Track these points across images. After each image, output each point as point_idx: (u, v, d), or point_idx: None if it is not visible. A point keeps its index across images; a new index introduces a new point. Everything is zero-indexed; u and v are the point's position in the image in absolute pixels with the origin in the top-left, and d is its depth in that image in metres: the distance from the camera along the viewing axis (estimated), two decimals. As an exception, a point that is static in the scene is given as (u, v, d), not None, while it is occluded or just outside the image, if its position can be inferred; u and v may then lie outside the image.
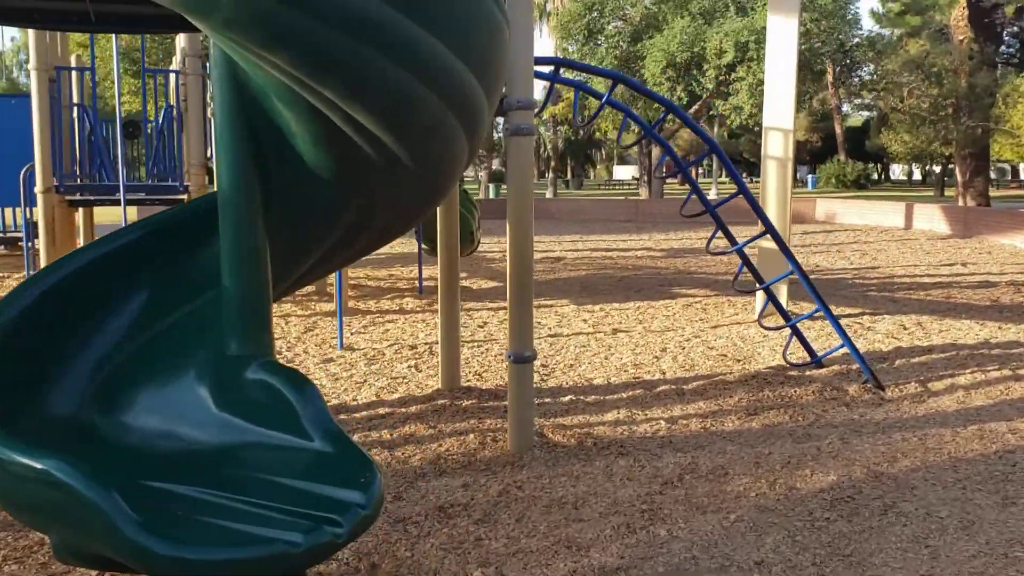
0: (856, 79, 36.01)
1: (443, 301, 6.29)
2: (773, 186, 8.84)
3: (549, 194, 45.78)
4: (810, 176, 54.26)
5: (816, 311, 6.83)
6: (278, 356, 7.53)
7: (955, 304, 10.00)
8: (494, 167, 76.30)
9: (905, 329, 8.38)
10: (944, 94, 27.49)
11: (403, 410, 5.81)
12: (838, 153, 50.53)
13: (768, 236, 6.96)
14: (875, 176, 59.83)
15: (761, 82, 27.83)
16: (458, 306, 6.35)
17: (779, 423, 5.52)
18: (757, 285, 7.27)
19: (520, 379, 4.97)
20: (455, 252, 6.25)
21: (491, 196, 42.65)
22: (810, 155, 62.27)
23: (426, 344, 8.00)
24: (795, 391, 6.14)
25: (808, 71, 27.07)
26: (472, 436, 5.21)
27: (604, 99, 6.68)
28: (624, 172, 70.13)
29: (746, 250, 7.14)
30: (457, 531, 3.95)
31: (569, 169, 63.86)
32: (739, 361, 7.17)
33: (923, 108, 27.92)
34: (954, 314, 9.26)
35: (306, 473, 2.93)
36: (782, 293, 8.84)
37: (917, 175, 62.58)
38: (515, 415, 5.00)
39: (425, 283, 11.47)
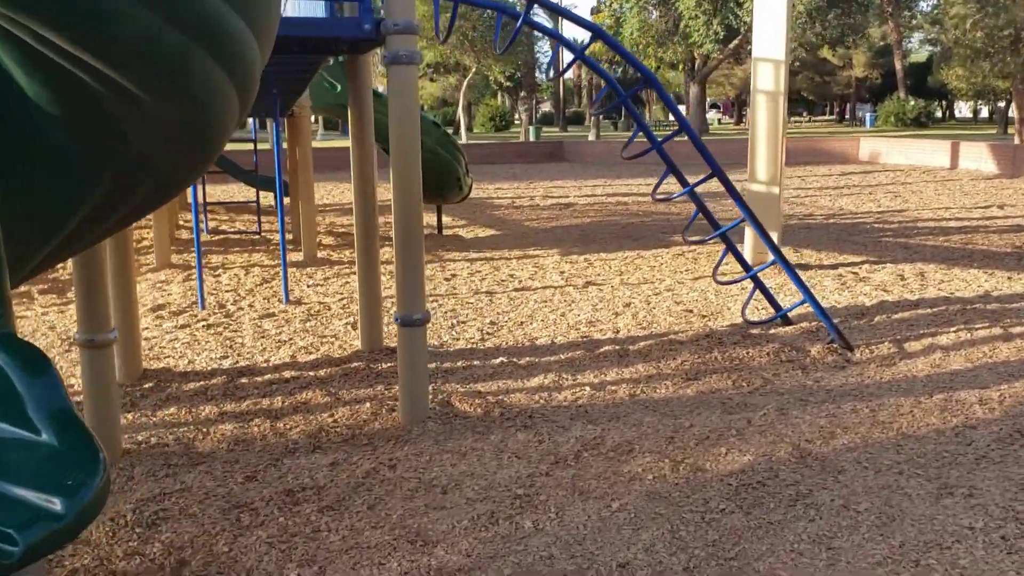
0: (908, 12, 34.23)
1: (360, 256, 5.75)
2: (763, 124, 8.09)
3: (591, 136, 44.65)
4: (868, 114, 52.23)
5: (772, 262, 6.13)
6: (222, 308, 7.13)
7: (971, 251, 9.18)
8: (545, 109, 75.25)
9: (902, 280, 7.63)
10: (1002, 25, 25.85)
11: (311, 373, 5.33)
12: (898, 90, 48.50)
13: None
14: (938, 114, 57.40)
15: (801, 15, 26.65)
16: (376, 260, 5.80)
17: (717, 390, 4.92)
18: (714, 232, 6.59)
19: (409, 344, 4.44)
20: (372, 203, 5.68)
21: (531, 138, 41.73)
22: (869, 92, 60.01)
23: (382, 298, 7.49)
24: (748, 352, 5.51)
25: (852, 1, 25.64)
26: (368, 405, 4.71)
27: (578, 52, 5.94)
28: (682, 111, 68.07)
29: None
30: (295, 520, 3.47)
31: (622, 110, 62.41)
32: (704, 317, 6.54)
33: (978, 39, 26.30)
34: (965, 262, 8.47)
35: (19, 474, 2.45)
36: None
37: (985, 113, 59.87)
38: (405, 384, 4.48)
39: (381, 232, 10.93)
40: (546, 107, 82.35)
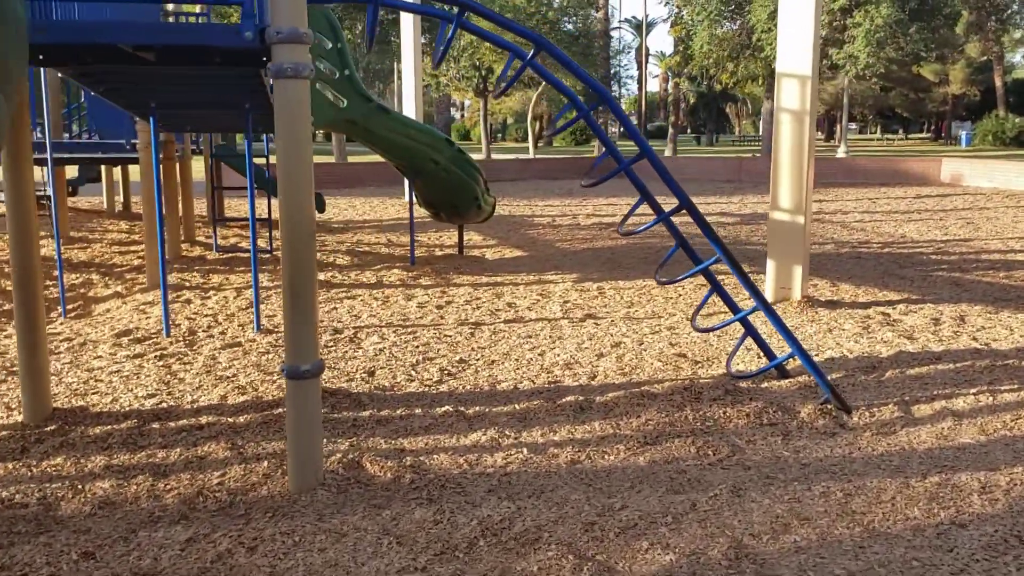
0: (1011, 25, 32.47)
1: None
2: (787, 146, 7.30)
3: (668, 151, 43.59)
4: (965, 133, 49.96)
5: (754, 309, 5.35)
6: (191, 335, 6.68)
7: (1031, 290, 8.21)
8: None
9: (935, 324, 6.75)
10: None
11: (230, 420, 4.80)
12: (997, 108, 46.28)
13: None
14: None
15: (879, 28, 25.36)
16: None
17: (674, 459, 4.22)
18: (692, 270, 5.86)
19: (297, 400, 3.85)
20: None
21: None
22: (967, 110, 57.62)
23: (355, 328, 6.96)
24: (726, 411, 4.78)
25: (936, 14, 24.29)
26: (266, 464, 4.15)
27: (526, 61, 5.33)
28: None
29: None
30: (103, 618, 2.92)
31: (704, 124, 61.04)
32: (696, 364, 5.82)
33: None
34: (1017, 304, 7.52)
35: None
36: (795, 275, 7.36)
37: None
38: (293, 447, 3.90)
39: (397, 251, 10.42)
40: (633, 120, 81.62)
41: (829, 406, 4.79)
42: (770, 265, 7.52)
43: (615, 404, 4.95)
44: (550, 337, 6.62)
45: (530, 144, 36.83)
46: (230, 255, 10.56)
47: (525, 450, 4.31)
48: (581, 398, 5.06)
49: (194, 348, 6.40)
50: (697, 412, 4.76)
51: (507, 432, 4.57)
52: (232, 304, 7.94)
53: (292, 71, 3.58)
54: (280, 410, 4.89)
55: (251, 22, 3.74)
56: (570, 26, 38.23)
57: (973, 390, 5.05)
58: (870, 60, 22.95)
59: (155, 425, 4.75)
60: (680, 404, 4.89)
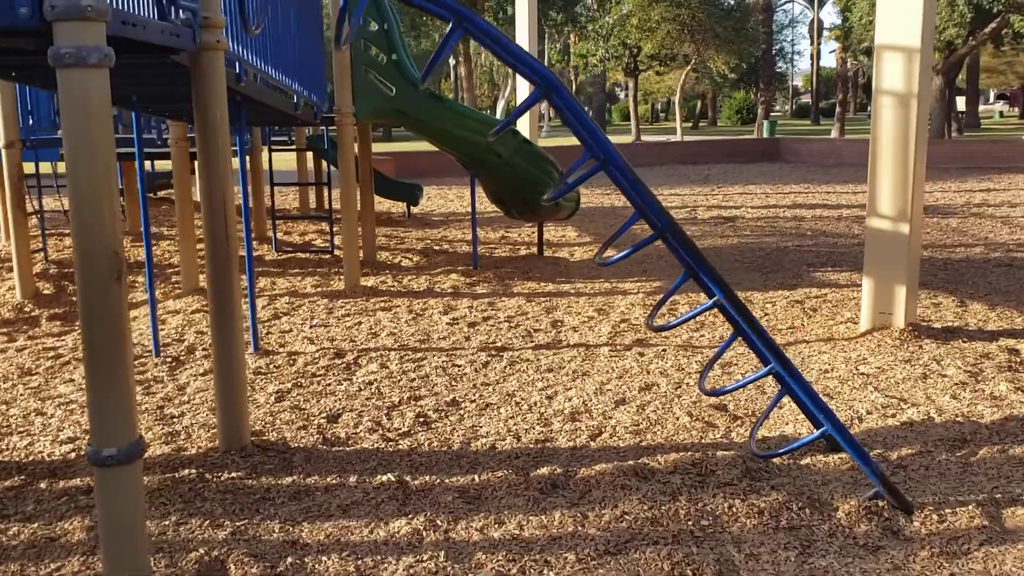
0: None
1: (215, 317, 4.30)
2: (888, 137, 5.86)
3: (834, 133, 40.62)
4: None
5: (770, 371, 3.85)
6: (184, 356, 5.95)
7: None
8: (805, 100, 70.37)
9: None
10: None
11: (124, 482, 3.97)
12: None
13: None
14: None
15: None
16: (237, 316, 4.30)
17: (631, 584, 3.07)
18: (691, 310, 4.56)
19: (106, 493, 2.94)
20: (229, 247, 4.21)
21: (764, 134, 38.58)
22: None
23: (361, 351, 6.07)
24: (735, 505, 3.55)
25: None
26: (77, 561, 3.28)
27: (443, 45, 4.12)
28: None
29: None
30: None
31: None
32: (736, 421, 4.58)
33: None
34: None
35: None
36: (897, 296, 5.94)
37: None
38: (105, 550, 3.00)
39: (452, 252, 9.42)
40: (807, 98, 77.31)
41: (880, 502, 3.49)
42: (866, 285, 6.11)
43: (597, 483, 3.81)
44: (575, 372, 5.51)
45: (677, 125, 35.06)
46: (288, 255, 9.91)
47: (443, 555, 3.26)
48: (560, 470, 3.95)
49: (174, 374, 5.67)
50: (695, 504, 3.57)
51: (439, 522, 3.53)
52: (259, 313, 7.21)
53: (72, 57, 2.66)
54: (190, 472, 4.02)
55: (30, -6, 2.84)
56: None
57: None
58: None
59: (43, 485, 3.99)
60: (677, 489, 3.70)
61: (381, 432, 4.54)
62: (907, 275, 5.91)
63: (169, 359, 6.00)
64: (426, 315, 7.10)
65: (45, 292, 8.08)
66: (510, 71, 67.42)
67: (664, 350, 5.94)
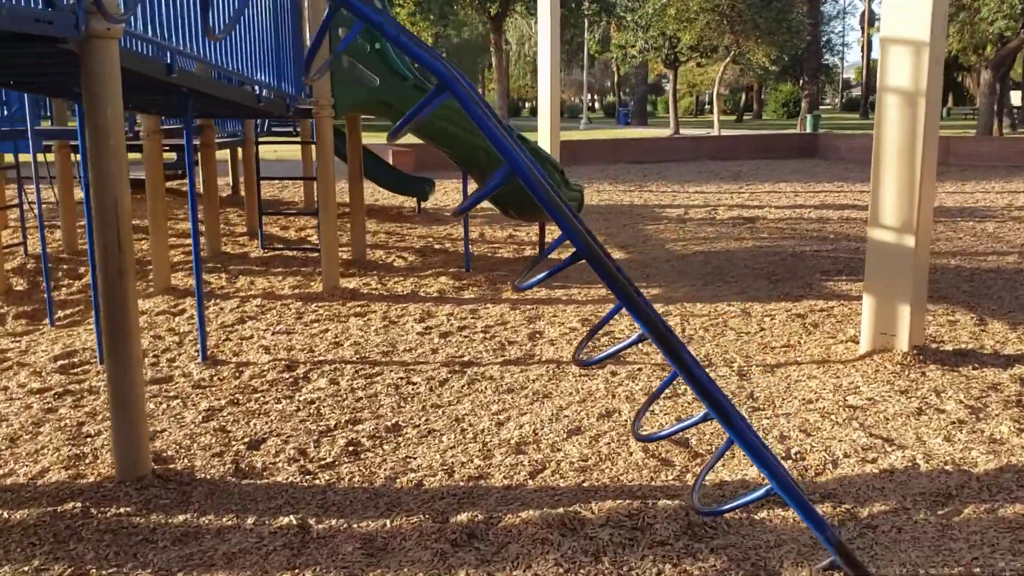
0: None
1: (108, 336, 3.88)
2: (893, 140, 5.29)
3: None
4: None
5: (705, 416, 3.22)
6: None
7: None
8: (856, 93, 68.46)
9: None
10: None
11: None
12: None
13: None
14: None
15: None
16: (133, 334, 3.87)
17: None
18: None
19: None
20: (123, 259, 3.78)
21: (807, 129, 37.53)
22: None
23: (315, 363, 5.65)
24: (667, 570, 3.05)
25: None
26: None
27: (323, 28, 3.55)
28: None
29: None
30: None
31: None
32: (695, 459, 4.08)
33: None
34: None
35: None
36: (901, 316, 5.38)
37: None
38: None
39: (479, 249, 8.94)
40: (858, 91, 75.31)
41: (837, 574, 2.98)
42: (867, 302, 5.56)
43: (518, 534, 3.34)
44: (536, 393, 5.04)
45: (715, 119, 34.22)
46: (275, 252, 9.53)
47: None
48: (482, 517, 3.48)
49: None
50: (618, 568, 3.08)
51: (317, 580, 3.09)
52: (224, 316, 6.84)
53: None
54: (75, 506, 3.62)
55: None
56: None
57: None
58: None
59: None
60: (603, 547, 3.22)
61: (302, 462, 4.12)
62: (912, 292, 5.35)
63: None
64: (400, 323, 6.67)
65: (17, 288, 7.79)
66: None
67: (639, 369, 5.44)
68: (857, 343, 5.79)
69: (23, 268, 8.37)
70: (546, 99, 16.92)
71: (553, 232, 11.03)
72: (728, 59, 33.81)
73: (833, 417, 4.49)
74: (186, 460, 4.13)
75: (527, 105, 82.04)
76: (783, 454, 4.07)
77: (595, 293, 7.64)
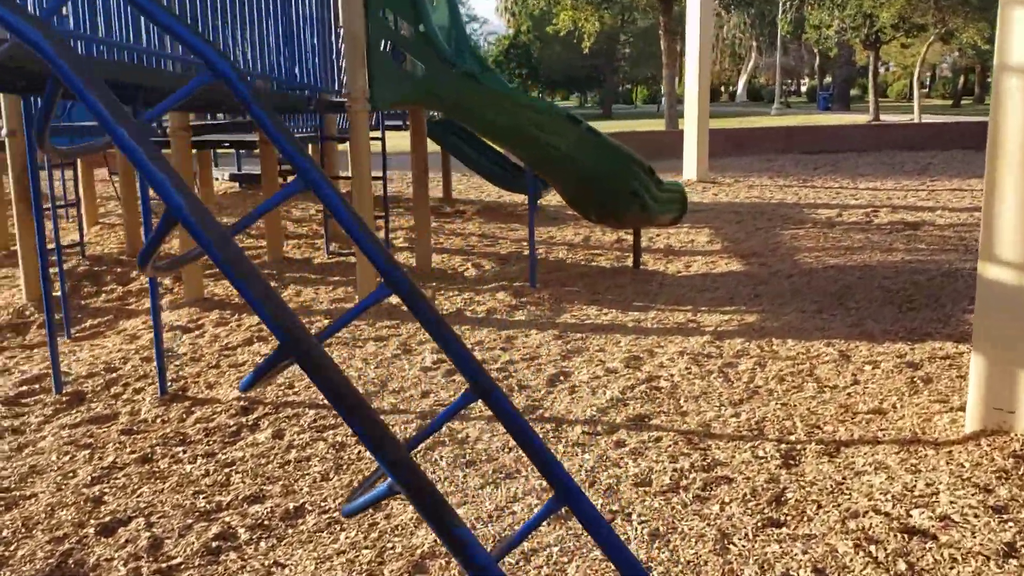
0: None
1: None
2: (1017, 135, 3.79)
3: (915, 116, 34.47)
4: None
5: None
6: (92, 394, 4.85)
7: None
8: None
9: None
10: None
11: None
12: None
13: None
14: None
15: None
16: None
17: None
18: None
19: None
20: None
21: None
22: None
23: (287, 404, 4.76)
24: None
25: None
26: None
27: None
28: None
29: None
30: None
31: None
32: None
33: None
34: None
35: None
36: (1020, 390, 3.89)
37: None
38: None
39: (574, 256, 7.81)
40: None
41: None
42: (975, 365, 4.06)
43: None
44: (499, 475, 3.91)
45: (915, 104, 31.01)
46: (339, 259, 8.76)
47: None
48: None
49: (54, 419, 4.64)
50: None
51: None
52: (233, 336, 6.10)
53: None
54: None
55: None
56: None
57: None
58: None
59: None
60: None
61: (142, 563, 3.21)
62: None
63: (67, 396, 4.99)
64: (413, 352, 5.69)
65: (55, 294, 7.39)
66: (755, 43, 63.62)
67: (658, 438, 4.20)
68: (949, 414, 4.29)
69: (73, 271, 8.00)
70: (693, 86, 15.47)
71: (675, 234, 9.77)
72: (933, 38, 30.54)
73: (874, 550, 3.09)
74: (20, 550, 3.32)
75: (727, 90, 79.00)
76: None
77: (673, 319, 6.37)
